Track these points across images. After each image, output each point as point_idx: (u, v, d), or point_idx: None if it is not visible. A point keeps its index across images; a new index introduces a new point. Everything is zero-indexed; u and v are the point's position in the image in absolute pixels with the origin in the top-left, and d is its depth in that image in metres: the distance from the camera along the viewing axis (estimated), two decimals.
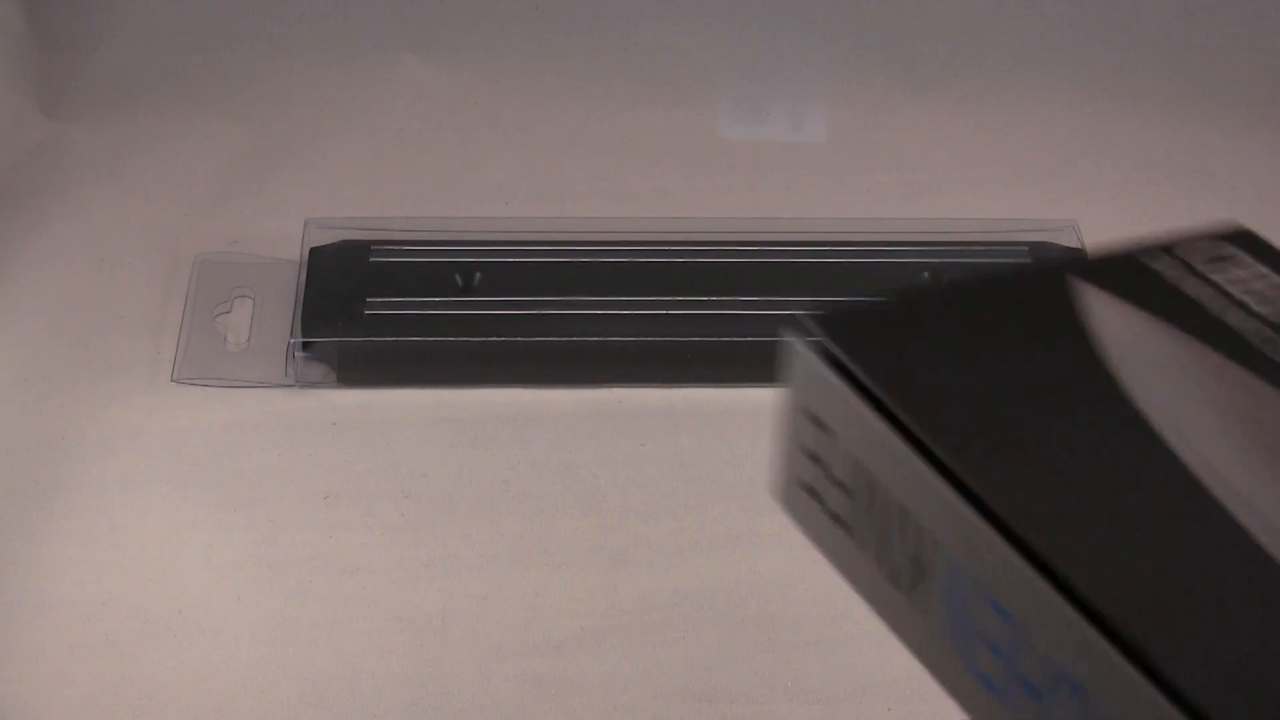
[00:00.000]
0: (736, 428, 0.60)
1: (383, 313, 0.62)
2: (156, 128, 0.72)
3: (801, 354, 0.25)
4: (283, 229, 0.67)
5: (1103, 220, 0.65)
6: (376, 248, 0.65)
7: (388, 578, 0.55)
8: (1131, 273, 0.27)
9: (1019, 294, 0.27)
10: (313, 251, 0.64)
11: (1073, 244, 0.66)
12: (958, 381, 0.25)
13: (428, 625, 0.54)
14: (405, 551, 0.56)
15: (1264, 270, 0.27)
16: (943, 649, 0.24)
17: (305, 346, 0.62)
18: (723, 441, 0.60)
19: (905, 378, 0.25)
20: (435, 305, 0.63)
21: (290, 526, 0.57)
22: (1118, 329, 0.26)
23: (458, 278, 0.64)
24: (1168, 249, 0.28)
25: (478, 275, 0.64)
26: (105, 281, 0.66)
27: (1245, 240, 0.28)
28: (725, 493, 0.58)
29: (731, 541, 0.56)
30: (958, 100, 0.77)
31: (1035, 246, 0.66)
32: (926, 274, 0.65)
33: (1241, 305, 0.27)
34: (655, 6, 0.78)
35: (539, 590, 0.55)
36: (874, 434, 0.24)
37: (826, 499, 0.26)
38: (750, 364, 0.60)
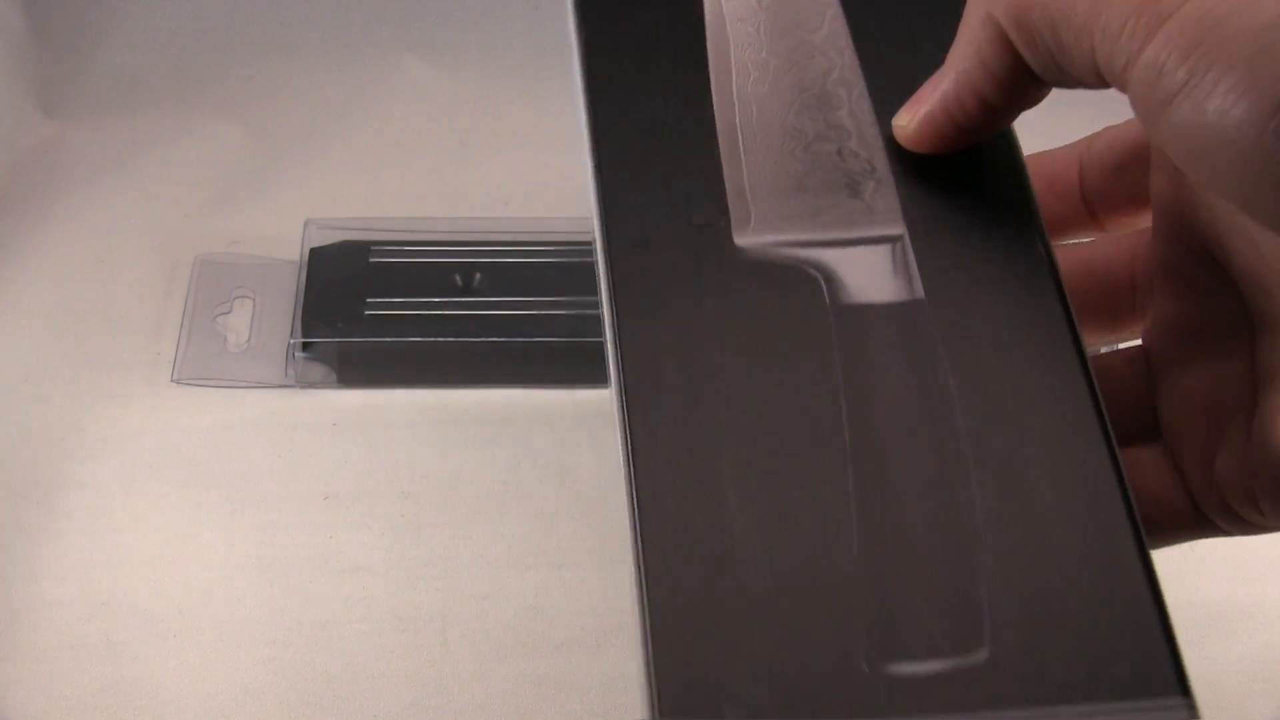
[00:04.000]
0: None
1: (382, 313, 0.62)
2: (156, 128, 0.72)
3: None
4: (283, 229, 0.67)
5: None
6: (376, 248, 0.65)
7: (388, 578, 0.55)
8: None
9: None
10: (313, 252, 0.64)
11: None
12: None
13: (428, 625, 0.54)
14: (405, 551, 0.56)
15: None
16: None
17: (305, 346, 0.62)
18: None
19: None
20: (435, 305, 0.63)
21: (290, 526, 0.57)
22: None
23: (457, 278, 0.64)
24: None
25: (478, 275, 0.64)
26: (105, 281, 0.66)
27: None
28: None
29: None
30: None
31: None
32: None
33: None
34: None
35: (539, 590, 0.55)
36: None
37: None
38: None
